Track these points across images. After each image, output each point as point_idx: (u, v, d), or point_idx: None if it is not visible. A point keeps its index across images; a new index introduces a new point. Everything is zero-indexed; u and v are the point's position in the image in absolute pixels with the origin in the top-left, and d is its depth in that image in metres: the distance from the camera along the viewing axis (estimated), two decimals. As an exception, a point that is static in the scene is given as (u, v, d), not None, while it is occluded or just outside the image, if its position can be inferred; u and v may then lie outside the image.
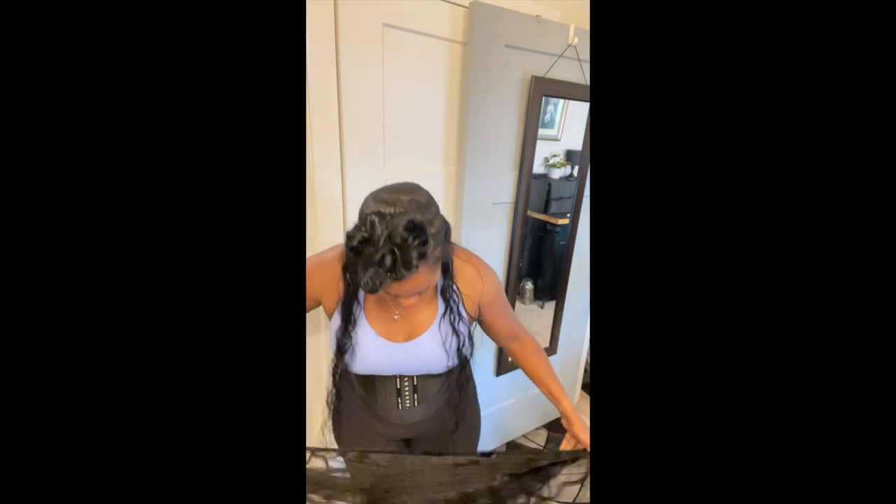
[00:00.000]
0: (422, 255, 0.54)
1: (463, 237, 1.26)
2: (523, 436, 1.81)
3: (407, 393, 0.84)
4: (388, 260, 0.52)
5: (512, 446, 1.75)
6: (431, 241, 0.55)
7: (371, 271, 0.53)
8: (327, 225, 1.05)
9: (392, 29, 1.01)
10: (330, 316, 0.79)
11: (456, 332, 0.79)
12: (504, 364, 1.55)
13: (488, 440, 1.69)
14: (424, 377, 0.84)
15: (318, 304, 0.80)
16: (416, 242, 0.53)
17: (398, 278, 0.54)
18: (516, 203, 1.34)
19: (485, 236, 1.32)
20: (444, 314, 0.78)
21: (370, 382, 0.84)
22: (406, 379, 0.83)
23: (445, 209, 1.23)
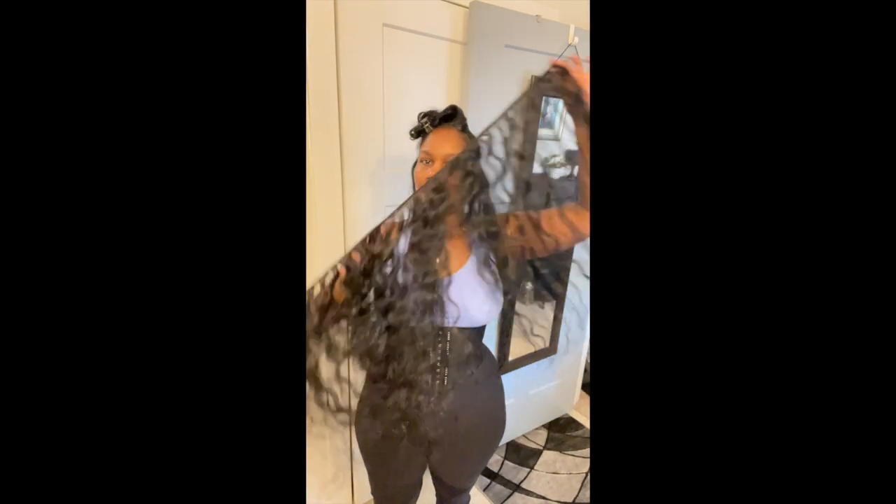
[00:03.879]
0: (454, 113, 0.77)
1: (463, 237, 1.26)
2: (523, 436, 1.81)
3: (438, 365, 0.79)
4: (433, 112, 0.77)
5: (512, 446, 1.75)
6: (463, 119, 0.79)
7: (421, 120, 0.77)
8: (327, 225, 1.05)
9: (392, 29, 1.01)
10: None
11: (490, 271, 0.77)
12: (504, 364, 1.55)
13: (488, 440, 1.68)
14: (457, 336, 0.78)
15: None
16: (451, 108, 0.78)
17: (435, 124, 0.77)
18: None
19: (485, 236, 1.31)
20: (482, 244, 0.78)
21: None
22: (440, 339, 0.78)
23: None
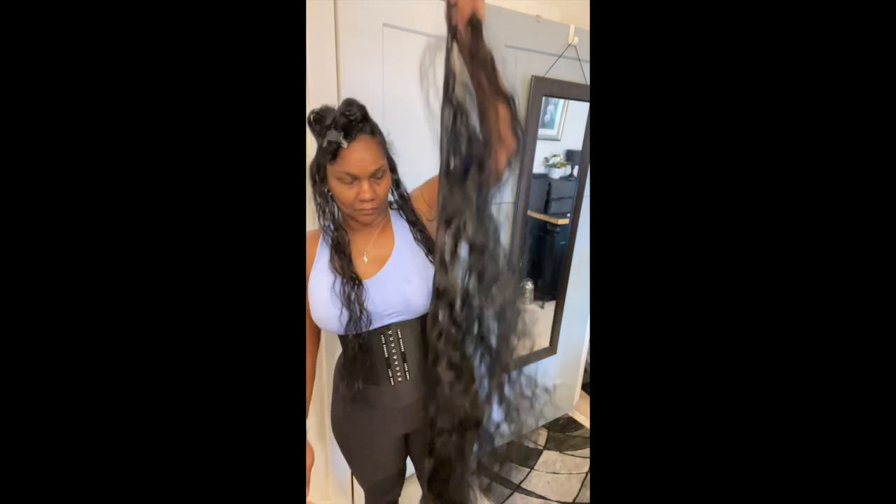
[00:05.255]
0: (364, 118, 0.67)
1: (463, 237, 1.26)
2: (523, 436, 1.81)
3: (396, 360, 0.77)
4: (341, 120, 0.65)
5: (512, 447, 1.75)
6: (371, 119, 0.69)
7: (329, 133, 0.65)
8: (327, 225, 1.05)
9: (392, 29, 1.01)
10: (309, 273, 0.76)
11: (430, 250, 0.74)
12: (504, 364, 1.54)
13: (488, 440, 1.68)
14: (406, 330, 0.76)
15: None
16: (358, 109, 0.67)
17: (351, 137, 0.65)
18: (516, 203, 1.34)
19: (485, 236, 1.32)
20: (407, 231, 0.77)
21: (357, 352, 0.76)
22: (391, 336, 0.76)
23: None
